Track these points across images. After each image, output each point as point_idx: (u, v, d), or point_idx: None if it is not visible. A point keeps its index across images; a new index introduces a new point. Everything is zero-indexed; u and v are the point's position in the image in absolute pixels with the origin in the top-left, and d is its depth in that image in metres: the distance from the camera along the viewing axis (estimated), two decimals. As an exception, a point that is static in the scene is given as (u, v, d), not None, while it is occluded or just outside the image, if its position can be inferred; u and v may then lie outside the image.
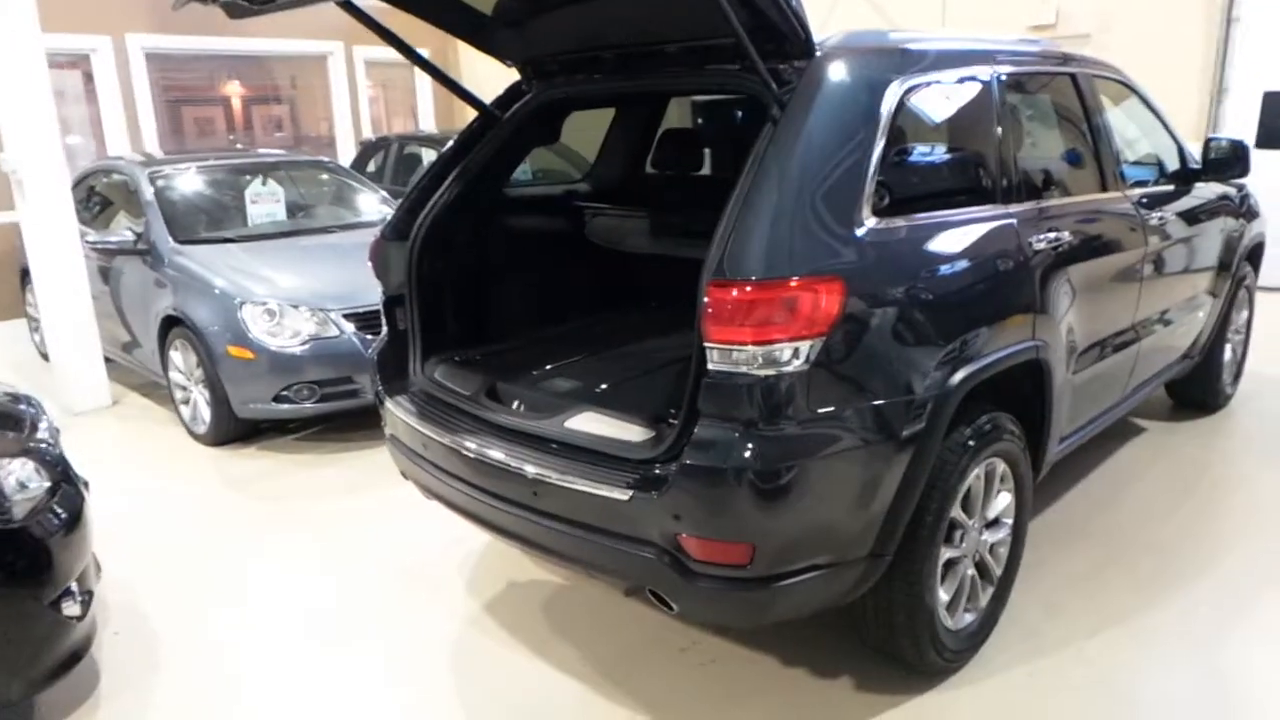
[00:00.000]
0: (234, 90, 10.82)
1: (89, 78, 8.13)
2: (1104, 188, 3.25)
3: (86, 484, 2.89)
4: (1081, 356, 2.99)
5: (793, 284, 1.97)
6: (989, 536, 2.66)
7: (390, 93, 10.86)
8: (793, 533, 2.07)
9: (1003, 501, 2.69)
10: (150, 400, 5.52)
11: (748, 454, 1.98)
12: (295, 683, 2.72)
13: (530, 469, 2.29)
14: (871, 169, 2.17)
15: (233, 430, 4.68)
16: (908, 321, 2.18)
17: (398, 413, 2.80)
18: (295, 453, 4.64)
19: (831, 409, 2.05)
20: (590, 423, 2.40)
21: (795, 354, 1.97)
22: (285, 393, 4.44)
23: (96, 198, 5.97)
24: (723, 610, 2.20)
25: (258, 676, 2.76)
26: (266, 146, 9.90)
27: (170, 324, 4.76)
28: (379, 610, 3.09)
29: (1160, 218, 3.50)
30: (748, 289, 1.95)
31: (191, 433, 4.85)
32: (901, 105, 2.30)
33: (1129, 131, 3.78)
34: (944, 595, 2.49)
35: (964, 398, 2.31)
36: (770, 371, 1.97)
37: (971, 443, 2.41)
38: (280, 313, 4.47)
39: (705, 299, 1.96)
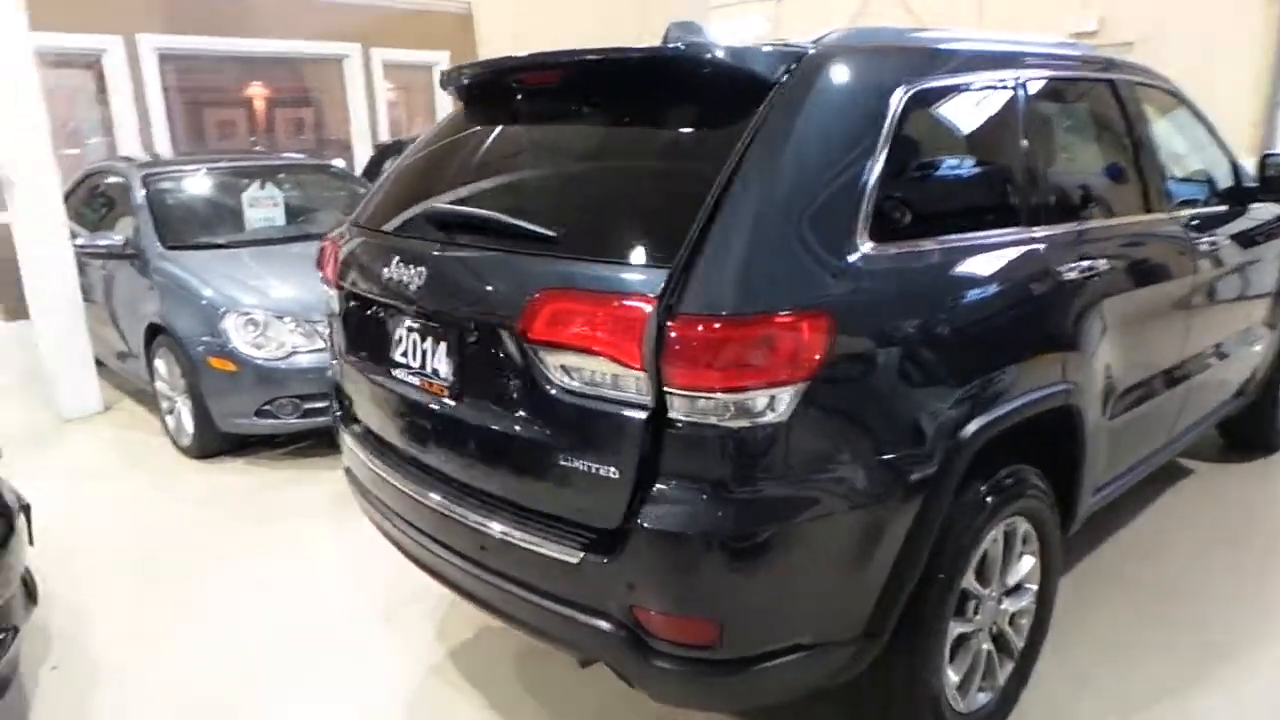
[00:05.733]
0: (256, 92, 10.73)
1: (102, 78, 8.03)
2: (1148, 208, 2.90)
3: (26, 507, 2.66)
4: (1121, 398, 2.66)
5: (771, 320, 1.68)
6: (1009, 605, 2.33)
7: (411, 95, 10.69)
8: (769, 609, 1.78)
9: (1026, 565, 2.36)
10: (144, 408, 5.34)
11: (713, 519, 1.69)
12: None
13: (474, 518, 2.01)
14: (870, 186, 1.87)
15: (216, 443, 4.47)
16: (911, 364, 1.88)
17: (349, 443, 2.55)
18: (281, 468, 4.42)
19: (816, 467, 1.75)
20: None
21: (773, 403, 1.68)
22: (268, 407, 4.23)
23: (98, 200, 5.83)
24: (689, 695, 1.91)
25: (191, 712, 2.53)
26: (289, 149, 9.77)
27: (155, 331, 4.57)
28: (342, 649, 2.84)
29: (1211, 242, 3.14)
30: (716, 325, 1.65)
31: (177, 444, 4.66)
32: (908, 113, 1.99)
33: (1176, 146, 3.42)
34: (953, 676, 2.17)
35: (979, 450, 2.00)
36: (742, 423, 1.67)
37: (989, 501, 2.10)
38: (265, 324, 4.26)
39: (670, 335, 1.67)
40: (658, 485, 1.73)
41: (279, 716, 2.55)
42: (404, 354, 2.23)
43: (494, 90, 2.42)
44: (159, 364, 4.62)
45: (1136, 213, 2.87)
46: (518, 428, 1.92)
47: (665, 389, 1.68)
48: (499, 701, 2.56)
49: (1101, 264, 2.45)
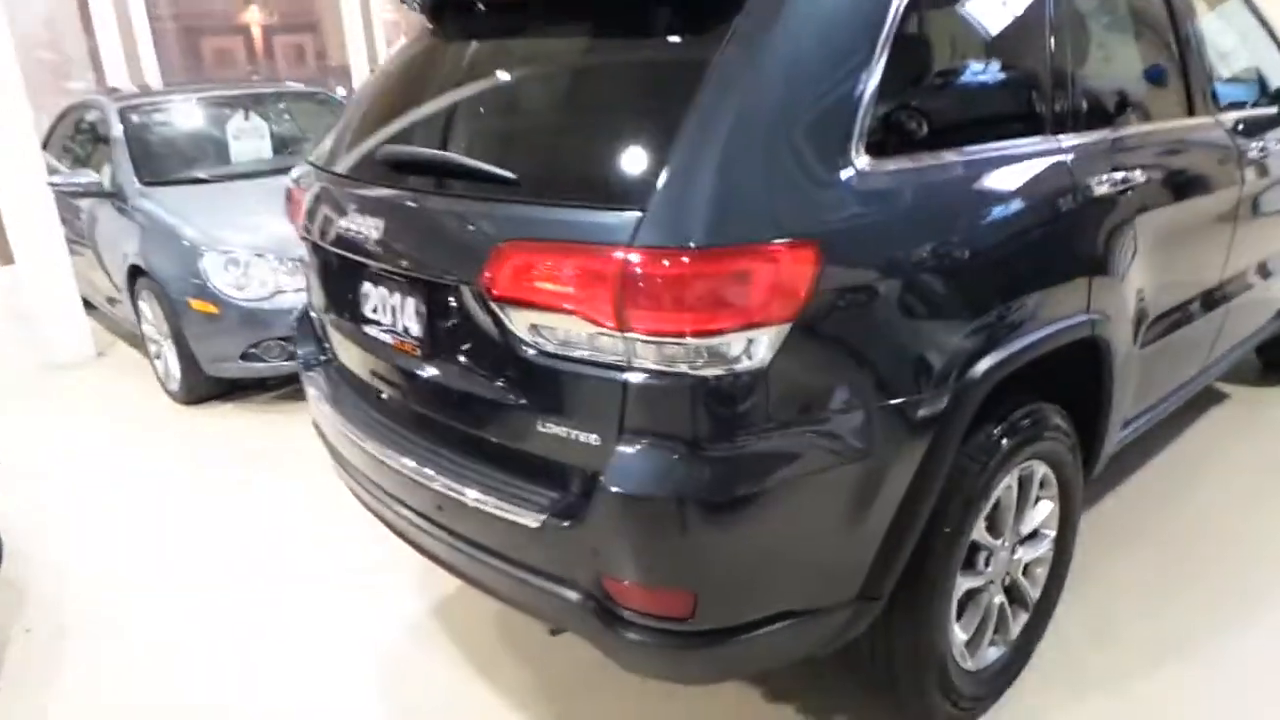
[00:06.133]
0: (253, 18, 10.35)
1: (85, 5, 7.72)
2: (1190, 110, 2.60)
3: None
4: (1155, 324, 2.40)
5: (747, 252, 1.45)
6: (1024, 554, 2.14)
7: (412, 16, 10.25)
8: (750, 577, 1.59)
9: (1042, 512, 2.16)
10: (137, 353, 5.20)
11: (684, 479, 1.49)
12: (206, 684, 2.37)
13: (446, 482, 1.83)
14: (868, 91, 1.61)
15: (205, 388, 4.34)
16: (912, 298, 1.64)
17: (312, 392, 2.37)
18: (271, 412, 4.29)
19: (802, 418, 1.54)
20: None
21: (750, 347, 1.46)
22: (254, 350, 4.07)
23: (82, 136, 5.60)
24: (665, 668, 1.74)
25: (170, 674, 2.43)
26: (291, 79, 9.43)
27: (137, 273, 4.40)
28: (321, 607, 2.71)
29: (1261, 148, 2.83)
30: (684, 260, 1.43)
31: (166, 390, 4.53)
32: (914, 6, 1.71)
33: (1224, 40, 3.07)
34: (961, 634, 1.99)
35: (993, 389, 1.78)
36: (717, 371, 1.46)
37: (1002, 444, 1.89)
38: (247, 263, 4.06)
39: (631, 272, 1.45)
40: (622, 443, 1.53)
41: (256, 672, 2.44)
42: (374, 310, 2.03)
43: (455, 7, 2.15)
44: (143, 307, 4.46)
45: (1178, 116, 2.56)
46: (493, 392, 1.72)
47: (626, 333, 1.47)
48: (477, 659, 2.43)
49: (1137, 175, 2.17)
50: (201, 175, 4.76)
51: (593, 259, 1.48)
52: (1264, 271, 3.06)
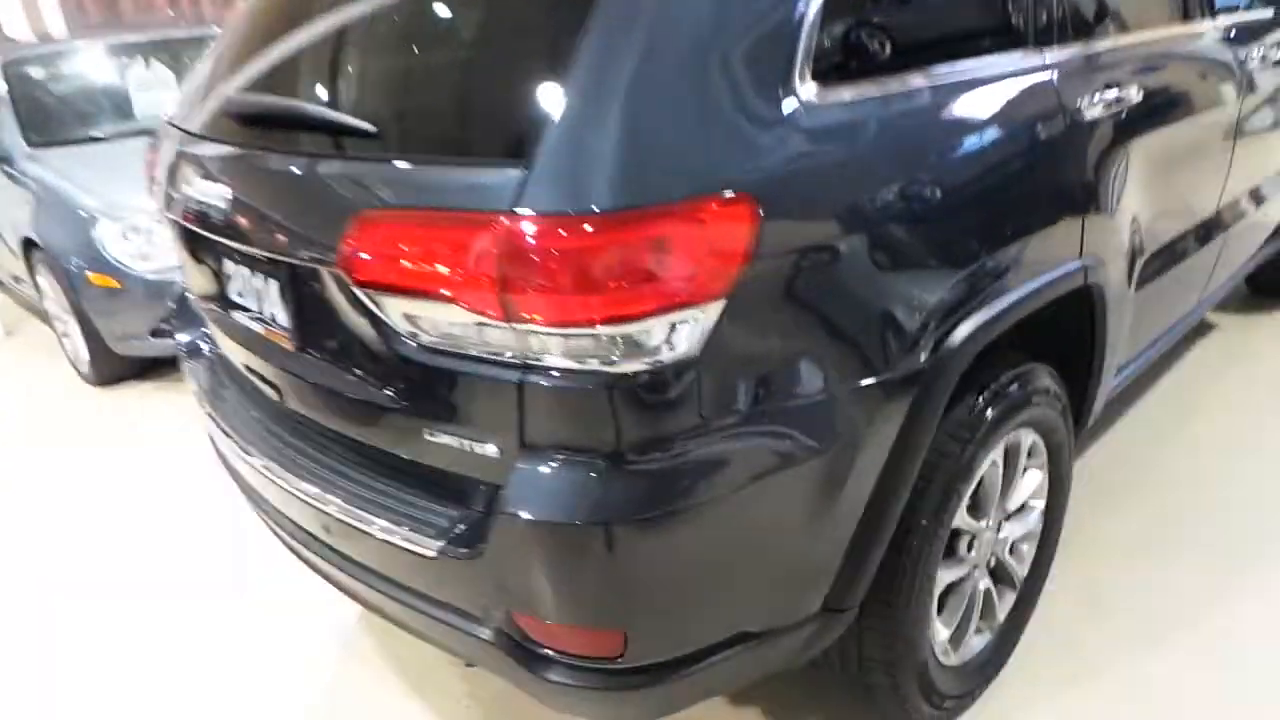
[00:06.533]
0: (171, -44, 9.61)
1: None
2: (1186, 15, 2.29)
3: None
4: (1150, 263, 2.13)
5: (665, 214, 1.14)
6: (1011, 530, 1.89)
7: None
8: (689, 606, 1.33)
9: (1030, 483, 1.91)
10: (51, 331, 4.82)
11: (601, 501, 1.20)
12: (103, 695, 2.10)
13: (315, 491, 1.54)
14: (814, 3, 1.29)
15: (117, 368, 3.98)
16: (875, 255, 1.35)
17: (192, 386, 2.06)
18: (189, 393, 3.94)
19: (745, 416, 1.26)
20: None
21: (677, 333, 1.17)
22: (165, 326, 3.70)
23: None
24: (597, 711, 1.47)
25: (65, 679, 2.15)
26: (217, 21, 8.77)
27: (33, 246, 4.00)
28: (243, 611, 2.43)
29: (1261, 56, 2.53)
30: (585, 227, 1.12)
31: (78, 371, 4.17)
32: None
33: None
34: (943, 631, 1.76)
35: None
36: (636, 366, 1.17)
37: (986, 416, 1.62)
38: (150, 231, 3.67)
39: (519, 248, 1.14)
40: (524, 457, 1.24)
41: (169, 682, 2.17)
42: (240, 294, 1.70)
43: None
44: (43, 283, 4.06)
45: (1170, 23, 2.25)
46: (372, 393, 1.41)
47: (516, 324, 1.17)
48: (409, 675, 2.17)
49: (1132, 93, 1.87)
50: (98, 134, 4.31)
51: (464, 231, 1.17)
52: (1257, 197, 2.79)
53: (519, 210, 1.13)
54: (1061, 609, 2.14)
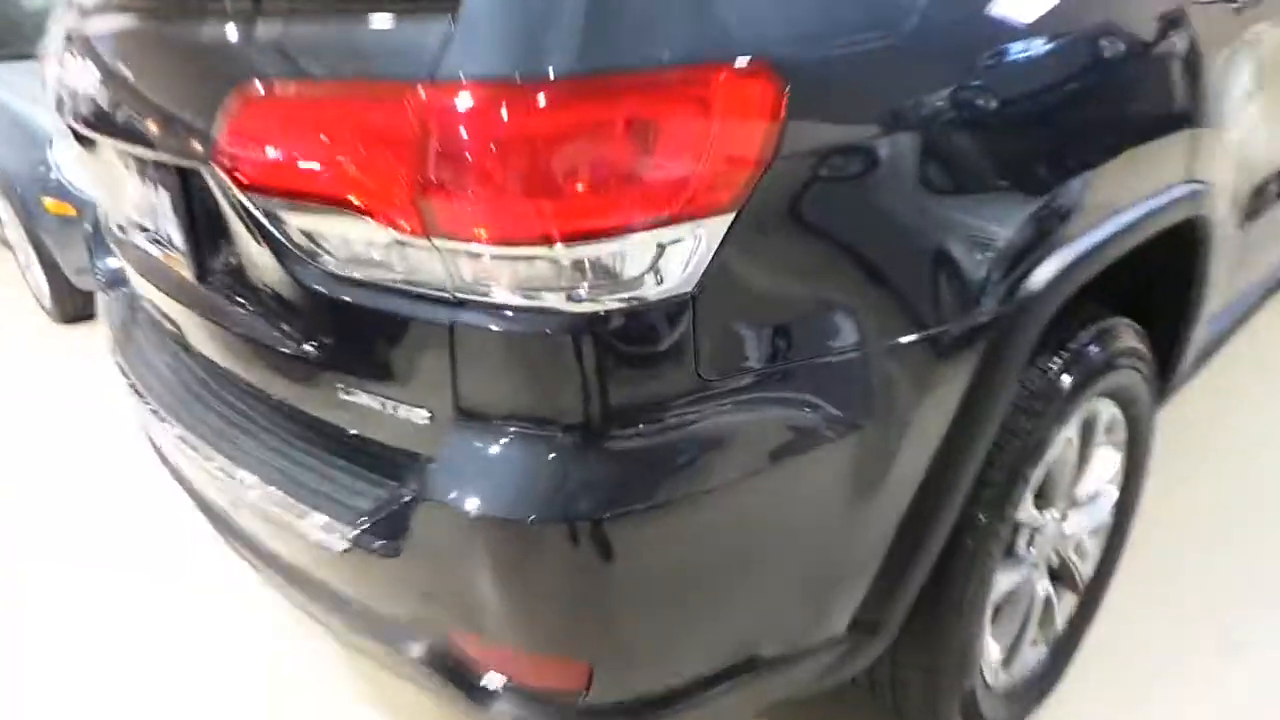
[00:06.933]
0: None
1: None
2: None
3: None
4: (1259, 194, 1.76)
5: (655, 82, 0.80)
6: (1078, 523, 1.56)
7: None
8: (676, 628, 1.00)
9: (1107, 465, 1.57)
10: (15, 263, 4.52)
11: (559, 491, 0.88)
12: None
13: (214, 454, 1.22)
14: None
15: (81, 304, 3.67)
16: (935, 163, 0.99)
17: (104, 328, 1.74)
18: (163, 331, 3.64)
19: (756, 374, 0.92)
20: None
21: (661, 260, 0.83)
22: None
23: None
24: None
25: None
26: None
27: (-16, 170, 3.67)
28: (186, 611, 2.12)
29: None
30: (539, 101, 0.77)
31: (42, 306, 3.87)
32: None
33: None
34: (995, 649, 1.43)
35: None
36: (611, 303, 0.83)
37: (1062, 383, 1.27)
38: (110, 152, 3.33)
39: (444, 129, 0.80)
40: (461, 429, 0.92)
41: (111, 677, 1.90)
42: (136, 209, 1.38)
43: None
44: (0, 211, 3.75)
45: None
46: (276, 334, 1.09)
47: (440, 240, 0.83)
48: (362, 676, 1.88)
49: (1261, -23, 1.49)
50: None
51: (368, 108, 0.83)
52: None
53: (440, 77, 0.78)
54: (1122, 604, 1.81)
